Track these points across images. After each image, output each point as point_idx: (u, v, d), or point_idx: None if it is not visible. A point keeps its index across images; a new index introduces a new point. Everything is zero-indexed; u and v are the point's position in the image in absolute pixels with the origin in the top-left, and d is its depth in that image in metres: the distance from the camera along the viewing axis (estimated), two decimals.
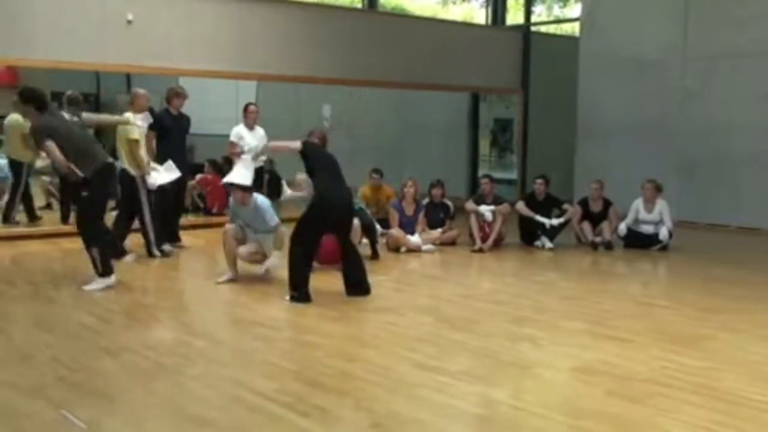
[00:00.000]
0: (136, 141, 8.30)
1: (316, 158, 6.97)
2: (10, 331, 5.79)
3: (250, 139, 9.69)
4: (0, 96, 19.49)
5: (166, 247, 8.92)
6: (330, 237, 7.21)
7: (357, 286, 7.02)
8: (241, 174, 7.33)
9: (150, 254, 8.58)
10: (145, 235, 8.56)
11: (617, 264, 9.53)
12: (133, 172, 8.34)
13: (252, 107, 10.13)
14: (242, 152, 9.03)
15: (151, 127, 8.98)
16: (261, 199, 7.45)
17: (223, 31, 10.96)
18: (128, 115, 8.40)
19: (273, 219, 7.41)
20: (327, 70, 11.93)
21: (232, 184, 7.41)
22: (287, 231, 7.14)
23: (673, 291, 7.96)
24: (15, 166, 10.60)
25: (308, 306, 6.65)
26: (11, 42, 9.40)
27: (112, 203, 8.24)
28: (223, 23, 10.99)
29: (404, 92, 14.46)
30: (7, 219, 10.52)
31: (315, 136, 7.37)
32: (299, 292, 6.71)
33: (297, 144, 6.98)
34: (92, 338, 5.60)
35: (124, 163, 8.33)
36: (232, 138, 9.78)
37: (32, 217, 10.78)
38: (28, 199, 10.82)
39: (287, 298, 6.75)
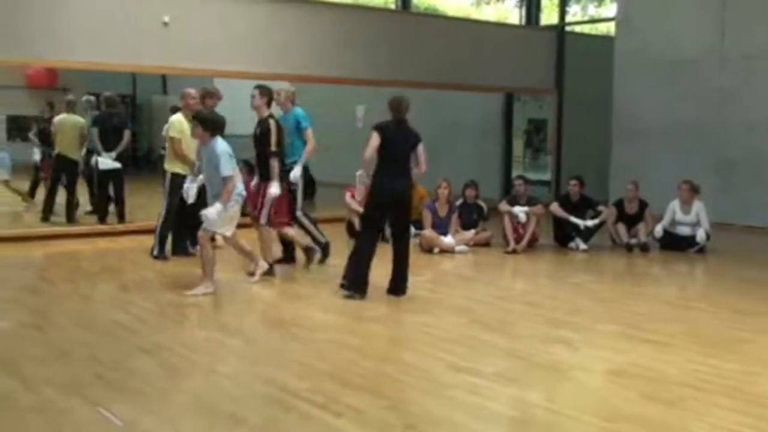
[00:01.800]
0: (178, 140, 8.41)
1: (384, 144, 6.84)
2: (48, 329, 5.88)
3: None
4: (40, 96, 19.84)
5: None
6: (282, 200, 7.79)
7: (398, 288, 7.08)
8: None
9: (151, 253, 8.67)
10: (157, 232, 8.67)
11: (653, 266, 9.44)
12: (170, 170, 8.52)
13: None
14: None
15: None
16: (222, 145, 6.90)
17: (258, 33, 11.03)
18: (178, 116, 8.55)
19: (225, 169, 6.82)
20: (361, 70, 11.95)
21: (198, 118, 7.07)
22: (239, 186, 7.02)
23: (709, 293, 7.86)
24: (69, 164, 10.79)
25: (342, 306, 6.67)
26: (51, 44, 9.55)
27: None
28: (257, 25, 11.07)
29: (438, 93, 14.42)
30: (71, 219, 10.81)
31: (393, 108, 7.01)
32: (354, 285, 6.90)
33: (376, 139, 6.81)
34: (128, 336, 5.67)
35: (168, 162, 8.58)
36: None
37: (100, 212, 10.88)
38: (101, 197, 10.97)
39: (340, 288, 7.05)
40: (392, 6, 16.41)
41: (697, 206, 9.91)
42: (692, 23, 12.44)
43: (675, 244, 9.88)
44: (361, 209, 9.97)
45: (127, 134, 10.82)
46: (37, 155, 12.33)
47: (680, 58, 12.47)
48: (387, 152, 6.84)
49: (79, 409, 4.19)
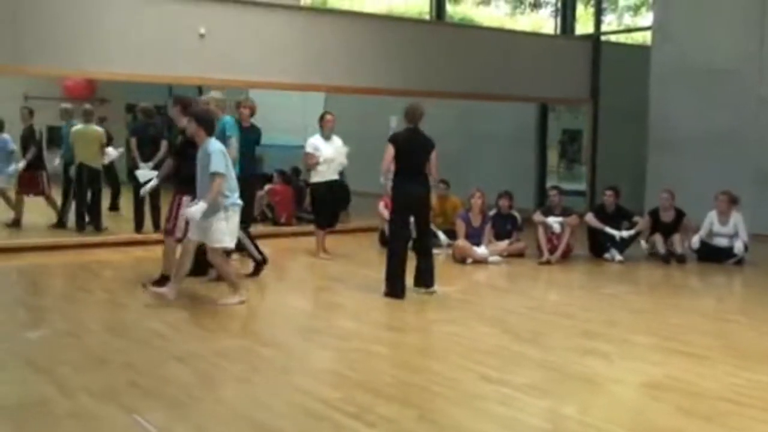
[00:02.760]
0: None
1: (399, 153, 7.35)
2: (85, 337, 5.95)
3: (327, 149, 9.43)
4: (79, 107, 20.03)
5: (234, 255, 9.04)
6: None
7: (423, 279, 7.46)
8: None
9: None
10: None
11: (690, 278, 9.32)
12: None
13: (329, 116, 9.70)
14: (319, 162, 9.21)
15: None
16: (216, 145, 6.83)
17: (293, 44, 11.10)
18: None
19: (215, 165, 6.65)
20: (395, 81, 11.97)
21: (196, 118, 6.93)
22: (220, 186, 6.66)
23: (747, 306, 7.74)
24: (90, 173, 10.95)
25: (374, 316, 6.69)
26: (89, 55, 9.70)
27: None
28: (292, 36, 11.14)
29: (472, 103, 14.41)
30: (98, 227, 10.97)
31: (407, 117, 7.52)
32: (391, 286, 7.29)
33: (391, 150, 7.34)
34: (163, 345, 5.72)
35: None
36: (308, 149, 9.47)
37: (137, 221, 10.94)
38: (138, 208, 10.99)
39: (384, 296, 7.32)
40: (427, 17, 16.44)
41: (735, 217, 9.77)
42: (731, 31, 12.29)
43: (712, 255, 9.75)
44: None
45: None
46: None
47: (718, 66, 12.32)
48: (403, 160, 7.34)
49: (114, 415, 4.24)
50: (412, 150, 7.38)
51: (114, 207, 12.86)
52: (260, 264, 8.26)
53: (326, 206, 9.54)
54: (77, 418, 4.20)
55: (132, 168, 11.09)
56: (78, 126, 11.26)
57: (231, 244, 6.98)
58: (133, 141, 10.94)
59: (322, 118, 9.70)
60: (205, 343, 5.84)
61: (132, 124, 11.69)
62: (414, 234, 7.73)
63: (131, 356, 5.39)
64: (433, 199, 10.11)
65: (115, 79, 11.35)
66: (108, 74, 10.48)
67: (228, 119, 8.16)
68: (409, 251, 7.58)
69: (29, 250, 9.54)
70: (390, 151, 7.34)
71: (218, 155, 6.70)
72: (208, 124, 6.89)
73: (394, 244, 7.45)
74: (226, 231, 6.78)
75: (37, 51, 9.35)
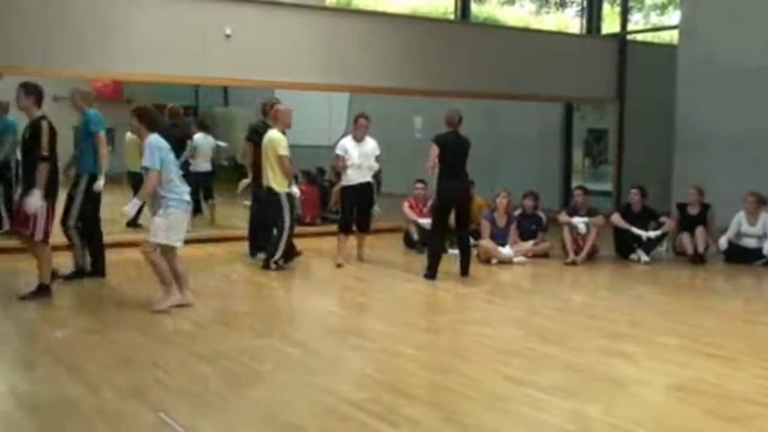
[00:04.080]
0: (288, 157, 8.47)
1: (442, 154, 8.26)
2: (112, 335, 6.01)
3: (356, 152, 9.19)
4: (105, 108, 20.26)
5: (260, 255, 9.11)
6: None
7: (463, 270, 8.44)
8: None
9: (267, 266, 8.64)
10: (276, 245, 8.63)
11: (717, 279, 9.23)
12: (277, 188, 8.49)
13: (363, 120, 9.36)
14: (348, 165, 9.09)
15: (248, 138, 9.22)
16: (156, 139, 6.61)
17: (318, 44, 11.13)
18: (273, 132, 8.54)
19: (146, 160, 6.51)
20: (420, 81, 11.96)
21: (137, 113, 6.82)
22: (153, 181, 6.49)
23: None
24: (137, 177, 11.05)
25: (400, 317, 6.69)
26: (116, 57, 9.78)
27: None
28: (317, 36, 11.17)
29: (496, 103, 14.36)
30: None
31: (448, 122, 8.44)
32: (430, 270, 8.28)
33: (435, 150, 8.24)
34: (188, 343, 5.76)
35: (270, 180, 8.48)
36: (338, 151, 9.27)
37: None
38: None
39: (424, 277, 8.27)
40: (451, 16, 16.41)
41: (764, 218, 9.67)
42: (760, 30, 12.14)
43: (741, 256, 9.66)
44: (416, 218, 10.11)
45: (189, 145, 11.03)
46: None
47: (746, 65, 12.18)
48: (446, 160, 8.24)
49: (140, 413, 4.28)
50: (454, 151, 8.29)
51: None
52: (80, 272, 7.97)
53: (349, 209, 9.40)
54: (104, 416, 4.25)
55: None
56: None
57: (168, 241, 6.63)
58: None
59: (356, 121, 9.43)
60: (231, 342, 5.87)
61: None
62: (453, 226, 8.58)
63: (157, 354, 5.43)
64: None
65: (142, 81, 11.43)
66: (135, 75, 10.58)
67: (92, 113, 7.87)
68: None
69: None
70: (435, 150, 8.22)
71: (151, 149, 6.50)
72: (151, 120, 6.74)
73: (434, 241, 8.60)
74: (163, 227, 6.55)
75: (66, 53, 9.45)
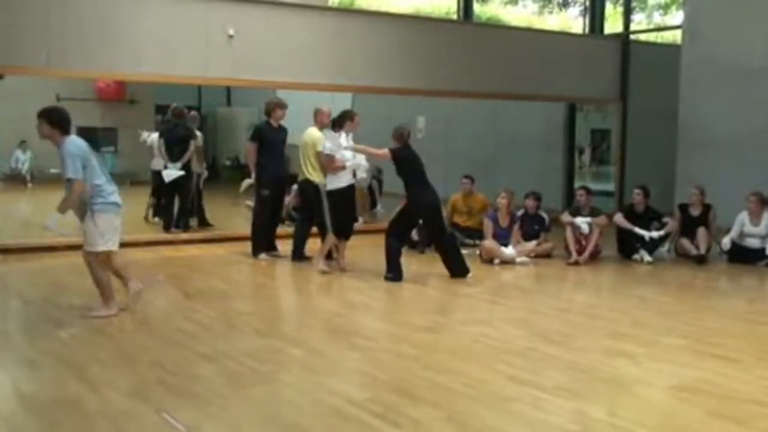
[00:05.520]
0: (330, 156, 8.62)
1: (404, 163, 8.31)
2: (114, 334, 6.01)
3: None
4: (109, 108, 20.36)
5: (263, 255, 9.11)
6: None
7: (455, 271, 8.33)
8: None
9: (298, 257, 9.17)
10: (323, 238, 8.82)
11: (720, 279, 9.22)
12: (316, 180, 8.70)
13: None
14: (344, 166, 8.98)
15: (252, 138, 9.24)
16: (73, 145, 6.17)
17: (321, 44, 11.14)
18: (313, 130, 8.84)
19: (68, 170, 6.08)
20: (422, 81, 11.96)
21: (44, 113, 6.22)
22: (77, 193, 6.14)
23: None
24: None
25: (402, 317, 6.68)
26: (119, 57, 9.79)
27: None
28: (320, 36, 11.17)
29: (499, 103, 14.36)
30: (179, 225, 11.01)
31: (395, 138, 8.41)
32: (393, 272, 8.12)
33: (383, 151, 8.36)
34: (191, 343, 5.76)
35: (308, 173, 8.76)
36: (327, 151, 8.85)
37: (165, 221, 11.19)
38: (200, 208, 11.59)
39: (384, 277, 8.11)
40: (454, 16, 16.41)
41: (767, 218, 9.66)
42: (763, 30, 12.12)
43: (743, 256, 9.65)
44: None
45: (191, 145, 11.05)
46: None
47: (750, 66, 12.16)
48: (414, 168, 8.32)
49: (143, 413, 4.28)
50: (416, 162, 8.38)
51: None
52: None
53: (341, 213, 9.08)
54: (107, 416, 4.25)
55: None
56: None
57: (106, 247, 6.40)
58: (161, 142, 11.05)
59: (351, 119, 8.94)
60: (233, 342, 5.86)
61: (161, 126, 11.80)
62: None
63: (159, 354, 5.43)
64: (458, 197, 10.14)
65: (145, 81, 11.44)
66: (138, 76, 10.60)
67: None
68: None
69: (49, 250, 9.41)
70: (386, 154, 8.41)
71: (71, 156, 6.07)
72: (61, 120, 6.20)
73: (394, 245, 8.36)
74: (96, 233, 6.28)
75: (69, 54, 9.47)
